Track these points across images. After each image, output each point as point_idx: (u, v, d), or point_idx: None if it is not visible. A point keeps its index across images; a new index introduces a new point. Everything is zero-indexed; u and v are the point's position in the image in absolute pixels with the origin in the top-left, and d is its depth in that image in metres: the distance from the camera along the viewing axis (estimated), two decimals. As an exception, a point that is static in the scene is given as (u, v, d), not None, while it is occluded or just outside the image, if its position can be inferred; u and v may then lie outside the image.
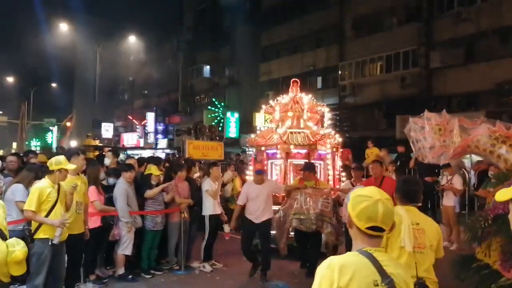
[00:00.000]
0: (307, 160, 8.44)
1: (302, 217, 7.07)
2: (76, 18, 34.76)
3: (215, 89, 34.30)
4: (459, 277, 4.73)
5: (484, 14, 18.58)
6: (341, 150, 9.61)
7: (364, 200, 2.08)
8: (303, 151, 8.70)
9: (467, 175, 11.22)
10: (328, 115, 9.73)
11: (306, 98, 9.15)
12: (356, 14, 24.51)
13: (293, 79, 9.59)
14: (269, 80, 29.95)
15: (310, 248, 7.41)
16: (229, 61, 33.49)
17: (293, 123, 9.04)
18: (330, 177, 8.94)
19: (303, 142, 8.59)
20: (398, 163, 12.28)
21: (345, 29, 25.22)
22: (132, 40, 34.69)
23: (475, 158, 15.45)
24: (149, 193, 7.46)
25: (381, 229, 2.07)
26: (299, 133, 8.78)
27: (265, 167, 8.88)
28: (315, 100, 9.57)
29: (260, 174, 7.31)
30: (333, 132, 9.27)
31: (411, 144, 5.62)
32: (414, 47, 21.12)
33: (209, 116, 29.93)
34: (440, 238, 3.60)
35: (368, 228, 2.06)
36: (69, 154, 6.12)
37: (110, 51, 35.29)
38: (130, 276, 7.16)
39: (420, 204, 3.67)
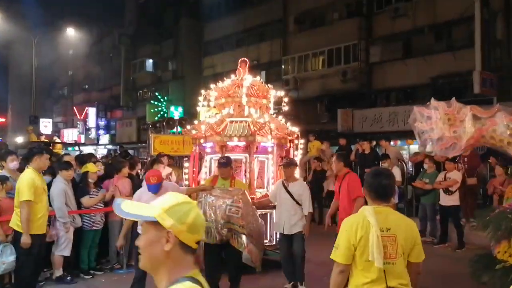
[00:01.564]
0: (226, 155, 7.01)
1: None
2: (10, 7, 32.95)
3: (158, 83, 33.69)
4: (479, 280, 4.35)
5: (420, 10, 19.27)
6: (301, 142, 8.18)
7: (190, 207, 1.64)
8: (242, 143, 7.42)
9: (405, 166, 11.64)
10: (282, 100, 8.32)
11: (249, 80, 7.69)
12: (299, 9, 24.76)
13: (242, 58, 8.23)
14: (213, 74, 29.72)
15: (228, 262, 6.03)
16: (172, 55, 32.97)
17: (236, 111, 7.71)
18: (272, 176, 7.71)
19: (241, 133, 7.30)
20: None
21: (288, 24, 25.44)
22: (71, 33, 33.37)
23: (413, 149, 16.14)
24: (88, 202, 7.22)
25: None
26: (240, 122, 7.48)
27: (203, 164, 7.83)
28: (263, 82, 8.14)
29: (154, 190, 5.50)
30: (283, 120, 8.02)
31: (416, 137, 5.13)
32: (354, 42, 21.63)
33: (152, 110, 29.42)
34: (417, 241, 3.09)
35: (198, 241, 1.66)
36: (32, 154, 5.89)
37: (48, 44, 33.78)
38: (68, 278, 6.94)
39: (391, 203, 3.21)
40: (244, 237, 5.64)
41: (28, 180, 5.57)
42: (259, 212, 6.55)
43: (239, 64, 8.08)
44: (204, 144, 7.76)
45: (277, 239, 7.14)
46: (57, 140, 25.04)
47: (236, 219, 5.63)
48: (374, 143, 12.82)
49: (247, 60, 8.16)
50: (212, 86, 8.05)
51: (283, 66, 24.89)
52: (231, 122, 7.51)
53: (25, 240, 5.66)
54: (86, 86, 43.04)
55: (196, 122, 8.23)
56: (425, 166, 9.81)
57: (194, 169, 8.08)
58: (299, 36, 24.53)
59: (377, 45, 21.36)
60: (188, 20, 31.10)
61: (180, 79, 31.89)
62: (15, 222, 5.69)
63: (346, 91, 21.55)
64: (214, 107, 8.27)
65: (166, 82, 32.92)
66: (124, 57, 36.32)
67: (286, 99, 8.16)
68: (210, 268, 5.77)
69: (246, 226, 5.64)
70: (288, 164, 6.54)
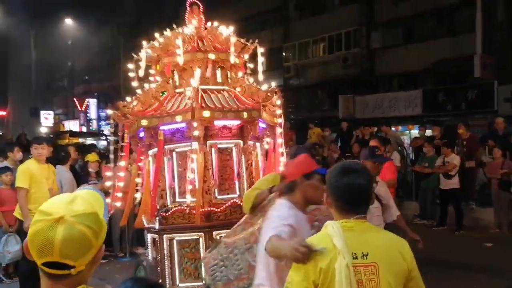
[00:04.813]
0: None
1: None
2: None
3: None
4: None
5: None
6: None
7: (39, 219, 1.31)
8: (234, 122, 4.85)
9: (405, 151, 11.65)
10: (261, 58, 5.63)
11: (193, 26, 5.28)
12: (300, -5, 24.62)
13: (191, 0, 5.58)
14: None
15: None
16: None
17: (184, 77, 5.05)
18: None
19: (234, 106, 4.77)
20: (339, 142, 12.57)
21: (289, 11, 25.31)
22: (69, 23, 33.27)
23: (414, 134, 16.11)
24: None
25: (64, 266, 1.30)
26: (218, 92, 5.00)
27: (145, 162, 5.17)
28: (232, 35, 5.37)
29: None
30: (263, 86, 5.32)
31: None
32: (355, 27, 21.51)
33: (154, 100, 29.35)
34: (413, 273, 2.05)
35: (44, 264, 1.32)
36: (28, 145, 6.06)
37: (46, 35, 33.72)
38: (72, 266, 7.01)
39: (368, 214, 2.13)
40: None
41: (23, 168, 5.75)
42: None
43: (187, 7, 5.56)
44: (162, 129, 4.84)
45: None
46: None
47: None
48: (375, 129, 12.82)
49: (200, 3, 5.59)
50: (145, 44, 5.32)
51: (284, 54, 24.80)
52: (204, 91, 4.89)
53: (26, 224, 5.58)
54: (86, 77, 43.00)
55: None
56: (424, 150, 9.83)
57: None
58: (300, 23, 24.40)
59: (379, 31, 21.24)
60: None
61: (181, 68, 31.89)
62: (17, 210, 5.81)
63: (347, 78, 21.48)
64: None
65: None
66: (124, 46, 36.23)
67: (261, 51, 5.60)
68: None
69: None
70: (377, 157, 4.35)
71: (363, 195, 2.09)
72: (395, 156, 9.92)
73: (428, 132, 11.91)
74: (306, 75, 23.90)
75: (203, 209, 4.54)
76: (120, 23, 36.04)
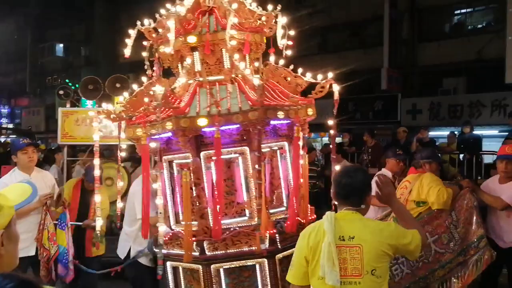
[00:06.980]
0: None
1: None
2: None
3: (70, 69, 31.99)
4: None
5: (336, 7, 19.85)
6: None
7: None
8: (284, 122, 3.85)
9: (317, 157, 12.00)
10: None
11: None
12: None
13: None
14: (130, 62, 28.78)
15: None
16: (85, 40, 31.40)
17: (204, 66, 3.84)
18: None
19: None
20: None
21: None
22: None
23: (325, 141, 16.67)
24: None
25: None
26: (216, 83, 3.80)
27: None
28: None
29: None
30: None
31: None
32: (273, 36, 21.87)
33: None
34: (400, 242, 2.43)
35: None
36: None
37: None
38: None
39: (362, 207, 2.52)
40: None
41: None
42: None
43: None
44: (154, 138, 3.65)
45: None
46: None
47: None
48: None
49: None
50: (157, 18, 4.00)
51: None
52: (199, 85, 3.74)
53: None
54: (-14, 71, 39.85)
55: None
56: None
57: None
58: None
59: (295, 40, 21.74)
60: (104, 4, 29.75)
61: (94, 65, 30.53)
62: None
63: (263, 85, 21.75)
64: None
65: (78, 68, 31.36)
66: (31, 40, 34.05)
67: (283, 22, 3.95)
68: None
69: None
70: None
71: (349, 191, 2.52)
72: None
73: (338, 140, 12.34)
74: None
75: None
76: (27, 13, 33.79)
